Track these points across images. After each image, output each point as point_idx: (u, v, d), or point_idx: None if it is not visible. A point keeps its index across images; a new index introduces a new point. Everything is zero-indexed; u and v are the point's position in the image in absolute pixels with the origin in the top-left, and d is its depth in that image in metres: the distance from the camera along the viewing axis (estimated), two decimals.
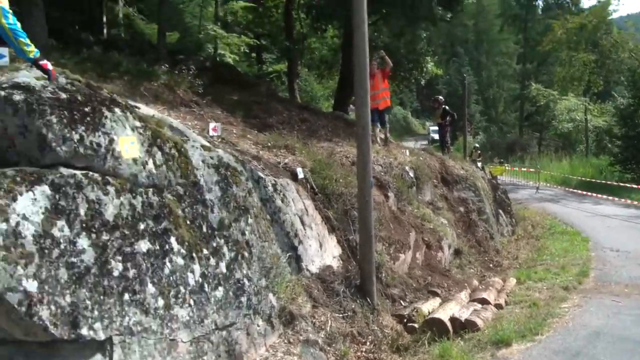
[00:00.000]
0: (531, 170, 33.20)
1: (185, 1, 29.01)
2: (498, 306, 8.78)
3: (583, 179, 30.17)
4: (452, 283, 9.70)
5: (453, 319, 7.68)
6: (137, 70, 10.40)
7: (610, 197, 24.59)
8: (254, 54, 29.26)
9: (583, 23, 34.90)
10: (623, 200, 23.53)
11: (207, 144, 6.41)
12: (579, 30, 34.87)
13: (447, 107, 19.12)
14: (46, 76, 4.54)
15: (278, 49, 26.24)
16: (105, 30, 21.91)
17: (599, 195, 25.37)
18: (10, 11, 4.35)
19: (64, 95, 4.43)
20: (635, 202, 22.71)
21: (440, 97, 19.48)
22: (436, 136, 28.82)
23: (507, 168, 31.08)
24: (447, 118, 18.96)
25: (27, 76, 4.57)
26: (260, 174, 6.87)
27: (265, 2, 24.33)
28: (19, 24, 4.42)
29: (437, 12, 16.87)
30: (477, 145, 30.70)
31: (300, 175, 7.77)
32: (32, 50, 4.52)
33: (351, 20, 7.35)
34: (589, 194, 26.13)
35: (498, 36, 65.38)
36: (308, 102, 26.71)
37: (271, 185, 6.92)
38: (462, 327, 7.61)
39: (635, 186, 24.38)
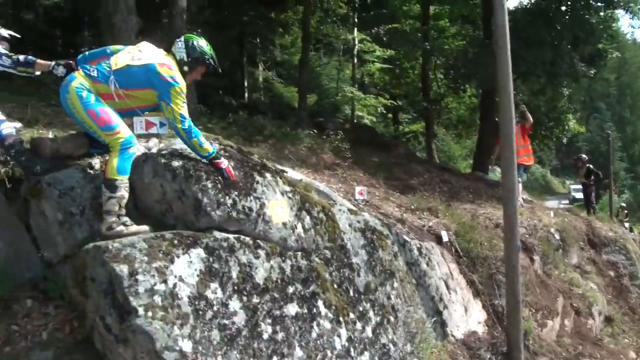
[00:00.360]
0: None
1: (322, 64, 29.87)
2: None
3: None
4: (606, 354, 9.11)
5: None
6: (281, 134, 10.73)
7: None
8: (389, 115, 29.57)
9: None
10: None
11: (353, 208, 6.46)
12: None
13: (591, 166, 18.39)
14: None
15: (414, 109, 26.35)
16: (246, 94, 22.91)
17: None
18: (188, 117, 4.59)
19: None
20: None
21: (584, 156, 18.77)
22: (578, 195, 27.77)
23: None
24: (592, 177, 18.20)
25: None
26: (406, 237, 6.82)
27: (401, 63, 24.61)
28: (193, 126, 4.62)
29: (580, 69, 16.39)
30: (623, 204, 29.27)
31: (445, 239, 7.65)
32: (206, 149, 4.63)
33: (495, 80, 7.25)
34: None
35: None
36: (445, 162, 26.57)
37: (416, 248, 6.85)
38: None
39: None
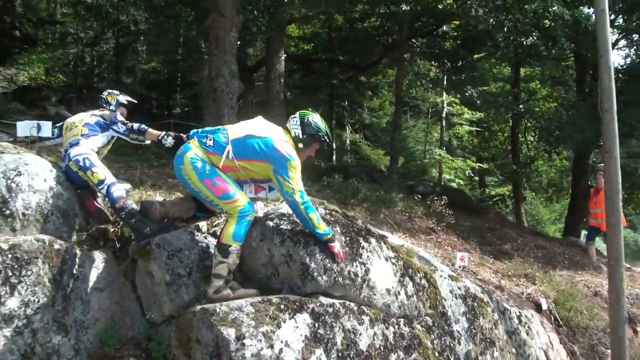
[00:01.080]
0: None
1: (409, 127, 30.00)
2: None
3: None
4: None
5: None
6: (375, 197, 10.77)
7: None
8: (476, 177, 29.29)
9: None
10: None
11: (453, 274, 6.40)
12: None
13: None
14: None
15: (502, 172, 26.04)
16: (334, 157, 23.20)
17: None
18: (304, 191, 4.60)
19: (332, 227, 4.71)
20: None
21: None
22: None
23: None
24: None
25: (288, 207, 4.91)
26: (505, 304, 6.68)
27: (490, 125, 24.48)
28: (311, 203, 4.61)
29: None
30: None
31: (544, 307, 7.45)
32: (323, 228, 4.57)
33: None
34: None
35: None
36: (534, 226, 25.96)
37: (516, 316, 6.69)
38: None
39: None
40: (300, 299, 4.25)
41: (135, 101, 6.34)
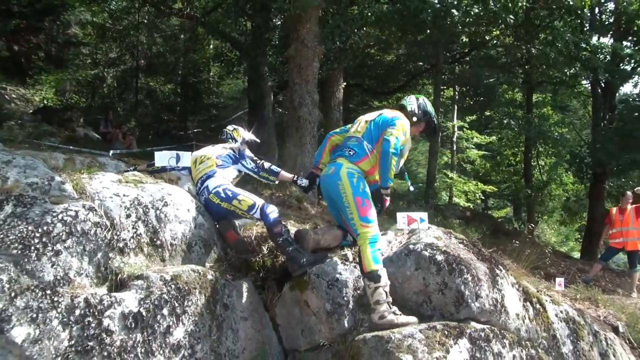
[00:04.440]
0: None
1: (411, 149, 30.31)
2: None
3: None
4: None
5: None
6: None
7: None
8: (478, 200, 29.73)
9: None
10: None
11: (554, 298, 6.69)
12: None
13: None
14: None
15: (512, 195, 26.47)
16: None
17: None
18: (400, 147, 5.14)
19: (469, 255, 4.99)
20: None
21: None
22: None
23: None
24: None
25: (433, 235, 5.19)
26: (596, 327, 6.98)
27: (501, 150, 24.93)
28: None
29: None
30: None
31: (621, 330, 7.75)
32: (391, 177, 5.11)
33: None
34: None
35: None
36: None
37: (604, 339, 6.98)
38: None
39: None
40: (459, 325, 4.52)
41: (258, 140, 6.57)
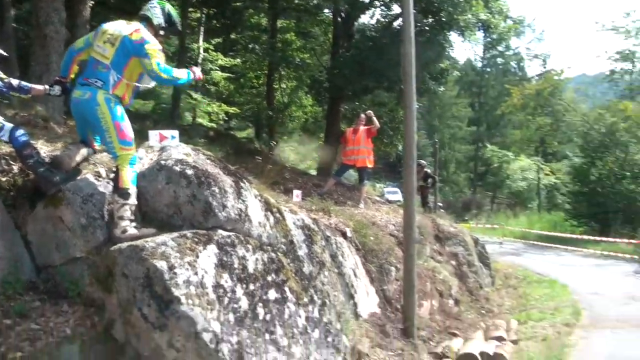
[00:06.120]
0: (494, 226, 35.30)
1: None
2: (514, 342, 9.85)
3: (541, 232, 31.91)
4: (466, 325, 10.77)
5: (482, 353, 8.70)
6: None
7: (570, 248, 26.42)
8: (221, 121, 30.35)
9: (539, 89, 37.49)
10: (580, 250, 25.50)
11: (293, 208, 7.47)
12: (535, 96, 37.38)
13: (428, 171, 20.54)
14: None
15: (255, 117, 27.35)
16: None
17: (559, 247, 27.26)
18: (164, 64, 5.43)
19: (216, 170, 5.49)
20: (594, 252, 24.74)
21: (422, 161, 20.77)
22: (391, 197, 30.23)
23: (471, 225, 32.80)
24: (429, 180, 20.35)
25: (183, 152, 5.61)
26: (328, 233, 7.93)
27: (246, 73, 25.57)
28: (168, 68, 5.47)
29: (430, 86, 18.55)
30: (440, 204, 32.24)
31: (349, 234, 8.84)
32: (183, 76, 5.61)
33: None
34: (550, 245, 27.96)
35: (450, 101, 68.54)
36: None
37: (334, 242, 7.98)
38: (491, 359, 8.67)
39: (591, 238, 26.28)
40: (207, 233, 5.04)
41: (6, 54, 6.35)
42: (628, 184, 32.47)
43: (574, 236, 28.13)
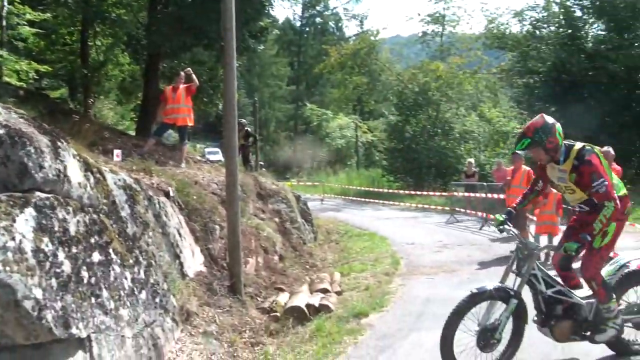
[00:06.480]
0: (315, 183, 36.32)
1: None
2: (338, 293, 10.32)
3: (360, 188, 33.28)
4: (292, 280, 11.09)
5: (308, 305, 9.06)
6: None
7: (387, 203, 27.86)
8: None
9: (356, 49, 38.67)
10: (397, 204, 26.99)
11: (114, 168, 7.24)
12: (352, 55, 38.51)
13: (249, 130, 20.72)
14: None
15: (69, 76, 26.00)
16: None
17: (377, 201, 28.67)
18: None
19: (30, 129, 5.19)
20: (410, 205, 26.33)
21: (243, 120, 20.89)
22: (212, 157, 30.30)
23: (292, 183, 33.51)
24: (250, 139, 20.56)
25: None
26: (150, 192, 7.78)
27: (58, 29, 24.14)
28: None
29: (250, 44, 18.47)
30: (261, 163, 32.67)
31: (172, 194, 8.73)
32: None
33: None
34: (368, 200, 29.29)
35: (270, 60, 68.97)
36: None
37: (157, 202, 7.85)
38: (317, 311, 9.02)
39: (406, 192, 27.83)
40: (24, 195, 4.74)
41: None
42: (440, 141, 34.69)
43: (391, 191, 29.58)
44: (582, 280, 6.28)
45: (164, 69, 21.06)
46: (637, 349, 6.55)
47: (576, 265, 6.43)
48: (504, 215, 6.37)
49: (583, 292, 6.30)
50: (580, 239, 5.70)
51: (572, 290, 6.24)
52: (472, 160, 25.01)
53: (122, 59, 25.03)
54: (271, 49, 67.06)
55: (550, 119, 5.95)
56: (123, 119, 34.78)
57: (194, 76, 13.81)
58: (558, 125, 5.93)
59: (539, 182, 6.47)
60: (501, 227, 6.35)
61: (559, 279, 6.31)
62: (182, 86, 13.48)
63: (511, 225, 6.39)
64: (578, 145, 5.92)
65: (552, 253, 7.67)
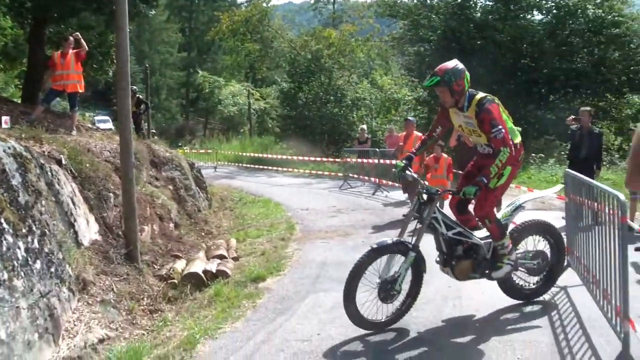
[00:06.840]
0: (208, 151, 36.04)
1: None
2: (235, 259, 10.43)
3: (254, 155, 33.27)
4: (188, 247, 11.11)
5: (205, 272, 9.14)
6: None
7: (281, 169, 28.10)
8: None
9: (248, 16, 38.33)
10: (291, 171, 27.31)
11: (2, 135, 7.01)
12: (244, 22, 38.17)
13: (140, 97, 20.35)
14: None
15: None
16: None
17: (271, 168, 28.86)
18: None
19: None
20: (304, 172, 26.71)
21: (134, 87, 20.40)
22: (102, 126, 29.64)
23: (185, 151, 33.14)
24: (141, 106, 20.24)
25: None
26: (42, 160, 7.58)
27: None
28: None
29: (142, 9, 17.96)
30: (153, 130, 32.06)
31: (64, 162, 8.53)
32: None
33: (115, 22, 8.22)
34: (262, 167, 29.44)
35: (161, 26, 67.31)
36: None
37: (50, 170, 7.67)
38: (214, 276, 9.11)
39: (300, 158, 28.11)
40: None
41: None
42: (332, 108, 35.08)
43: (285, 157, 29.74)
44: (476, 219, 6.71)
45: (50, 34, 20.20)
46: (527, 293, 7.15)
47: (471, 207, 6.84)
48: (404, 161, 6.67)
49: (481, 233, 6.77)
50: (478, 182, 6.07)
51: (471, 231, 6.64)
52: (364, 126, 25.47)
53: (4, 22, 23.77)
54: (162, 14, 65.49)
55: (461, 65, 6.33)
56: (7, 86, 33.25)
57: (82, 41, 13.41)
58: (467, 73, 6.33)
59: (437, 128, 6.87)
60: (402, 173, 6.66)
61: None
62: (71, 52, 13.08)
63: (412, 171, 6.75)
64: (480, 94, 6.33)
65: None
